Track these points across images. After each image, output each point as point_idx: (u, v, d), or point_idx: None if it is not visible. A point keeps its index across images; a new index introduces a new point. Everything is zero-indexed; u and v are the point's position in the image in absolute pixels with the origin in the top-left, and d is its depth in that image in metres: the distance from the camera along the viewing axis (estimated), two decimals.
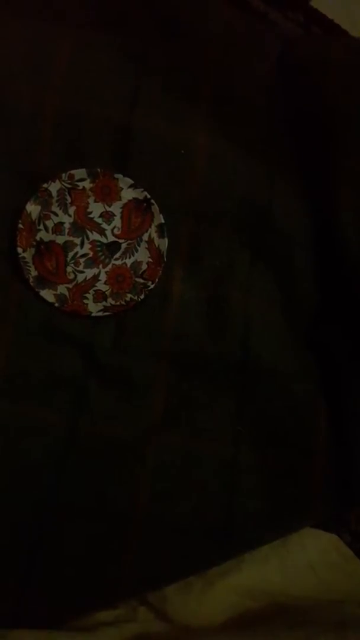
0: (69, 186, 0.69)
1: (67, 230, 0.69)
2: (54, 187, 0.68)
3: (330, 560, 0.65)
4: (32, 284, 0.65)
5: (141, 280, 0.68)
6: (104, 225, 0.70)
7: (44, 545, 0.60)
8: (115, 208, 0.70)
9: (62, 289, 0.67)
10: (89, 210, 0.70)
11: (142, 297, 0.67)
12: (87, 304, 0.67)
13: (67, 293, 0.67)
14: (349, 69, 0.73)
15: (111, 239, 0.70)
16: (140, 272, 0.69)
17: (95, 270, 0.69)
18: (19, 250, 0.66)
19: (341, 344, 0.69)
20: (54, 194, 0.68)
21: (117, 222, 0.70)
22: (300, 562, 0.64)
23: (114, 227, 0.70)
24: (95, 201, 0.70)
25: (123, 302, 0.67)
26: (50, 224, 0.69)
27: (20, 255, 0.66)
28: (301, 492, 0.66)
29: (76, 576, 0.60)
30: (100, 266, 0.69)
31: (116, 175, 0.69)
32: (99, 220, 0.70)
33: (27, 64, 0.71)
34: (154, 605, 0.61)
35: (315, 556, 0.65)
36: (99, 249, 0.69)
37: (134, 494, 0.63)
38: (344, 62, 0.73)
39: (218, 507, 0.64)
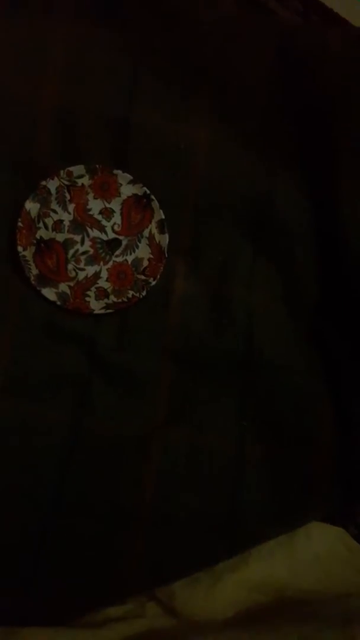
0: (67, 183, 0.68)
1: (66, 228, 0.69)
2: (52, 185, 0.68)
3: (337, 553, 0.65)
4: (33, 282, 0.65)
5: (143, 277, 0.68)
6: (104, 222, 0.69)
7: (50, 542, 0.60)
8: (115, 204, 0.70)
9: (63, 287, 0.67)
10: (88, 207, 0.69)
11: (144, 293, 0.67)
12: (88, 302, 0.67)
13: (68, 291, 0.67)
14: (349, 58, 0.72)
15: (111, 235, 0.69)
16: (141, 269, 0.69)
17: (96, 268, 0.69)
18: (19, 248, 0.66)
19: (343, 338, 0.68)
20: (53, 191, 0.68)
21: (117, 218, 0.70)
22: (307, 556, 0.64)
23: (114, 224, 0.70)
24: (94, 198, 0.69)
25: (125, 299, 0.67)
26: (49, 221, 0.68)
27: (20, 254, 0.66)
28: (307, 485, 0.66)
29: (83, 573, 0.60)
30: (101, 263, 0.69)
31: (115, 171, 0.69)
32: (99, 217, 0.69)
33: (22, 58, 0.70)
34: (162, 600, 0.61)
35: (321, 550, 0.65)
36: (99, 246, 0.69)
37: (140, 490, 0.63)
38: (344, 51, 0.72)
39: (224, 502, 0.64)
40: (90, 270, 0.68)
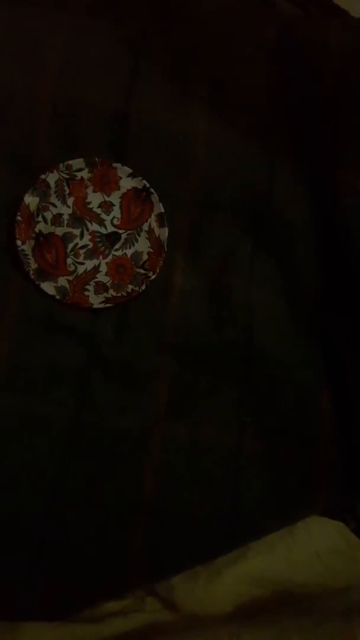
0: (67, 177, 0.68)
1: (66, 222, 0.68)
2: (51, 178, 0.67)
3: (336, 547, 0.65)
4: (32, 276, 0.65)
5: (142, 271, 0.68)
6: (103, 216, 0.69)
7: (50, 538, 0.60)
8: (114, 198, 0.69)
9: (62, 281, 0.67)
10: (87, 200, 0.69)
11: (143, 287, 0.67)
12: (88, 296, 0.67)
13: (67, 285, 0.67)
14: (349, 49, 0.72)
15: (111, 229, 0.69)
16: (141, 263, 0.68)
17: (95, 262, 0.68)
18: (18, 242, 0.65)
19: (343, 332, 0.68)
20: (52, 184, 0.67)
21: (116, 212, 0.69)
22: (306, 549, 0.64)
23: (114, 217, 0.69)
24: (93, 191, 0.69)
25: (124, 294, 0.67)
26: (49, 215, 0.68)
27: (19, 248, 0.65)
28: (306, 480, 0.66)
29: (83, 568, 0.60)
30: (101, 257, 0.68)
31: (114, 165, 0.68)
32: (98, 211, 0.69)
33: (21, 51, 0.70)
34: (161, 595, 0.61)
35: (321, 544, 0.65)
36: (98, 239, 0.69)
37: (140, 484, 0.63)
38: (343, 43, 0.72)
39: (224, 496, 0.64)
40: (90, 264, 0.68)
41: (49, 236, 0.68)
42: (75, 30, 0.71)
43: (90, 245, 0.68)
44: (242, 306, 0.69)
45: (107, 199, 0.69)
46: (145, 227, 0.69)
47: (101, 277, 0.68)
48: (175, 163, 0.70)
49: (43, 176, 0.67)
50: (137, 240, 0.69)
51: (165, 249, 0.68)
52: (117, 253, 0.69)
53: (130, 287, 0.67)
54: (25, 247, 0.66)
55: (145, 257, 0.69)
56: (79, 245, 0.68)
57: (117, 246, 0.69)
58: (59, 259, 0.67)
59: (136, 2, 0.74)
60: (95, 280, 0.68)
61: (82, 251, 0.68)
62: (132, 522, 0.62)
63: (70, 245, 0.68)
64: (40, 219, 0.67)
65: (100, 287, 0.67)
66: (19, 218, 0.66)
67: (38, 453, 0.62)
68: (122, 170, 0.68)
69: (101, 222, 0.69)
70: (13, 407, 0.63)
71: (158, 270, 0.67)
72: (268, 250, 0.71)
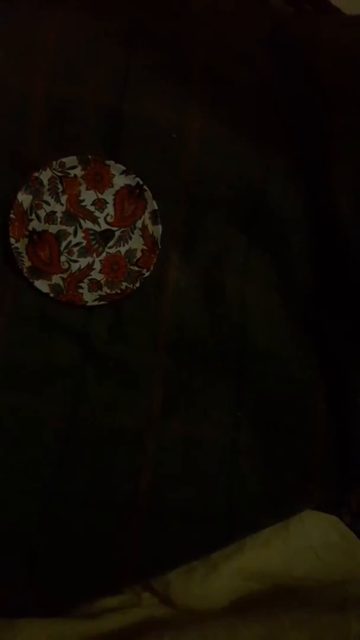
0: (60, 174, 0.68)
1: (59, 219, 0.68)
2: (45, 176, 0.67)
3: (331, 541, 0.66)
4: (26, 274, 0.65)
5: (136, 268, 0.68)
6: (97, 213, 0.69)
7: (46, 534, 0.60)
8: (108, 195, 0.69)
9: (56, 279, 0.67)
10: (81, 198, 0.69)
11: (137, 285, 0.67)
12: (82, 294, 0.67)
13: (61, 283, 0.67)
14: (340, 47, 0.72)
15: (104, 226, 0.69)
16: (134, 260, 0.69)
17: (89, 259, 0.68)
18: (12, 240, 0.65)
19: (338, 327, 0.69)
20: (45, 182, 0.67)
21: (109, 209, 0.69)
22: (301, 544, 0.65)
23: (107, 215, 0.69)
24: (87, 189, 0.69)
25: (118, 291, 0.67)
26: (42, 213, 0.68)
27: (13, 246, 0.65)
28: (301, 475, 0.66)
29: (80, 564, 0.60)
30: (94, 255, 0.68)
31: (107, 162, 0.68)
32: (92, 208, 0.69)
33: (14, 49, 0.69)
34: (157, 590, 0.62)
35: (316, 538, 0.65)
36: (92, 237, 0.69)
37: (136, 481, 0.63)
38: (335, 40, 0.72)
39: (219, 492, 0.64)
40: (83, 261, 0.68)
41: (43, 234, 0.68)
42: (68, 27, 0.71)
43: (84, 242, 0.68)
44: (236, 303, 0.69)
45: (100, 196, 0.69)
46: (139, 224, 0.69)
47: (95, 275, 0.68)
48: (169, 160, 0.70)
49: (36, 174, 0.67)
50: (130, 238, 0.69)
51: (159, 246, 0.68)
52: (110, 250, 0.69)
53: (124, 284, 0.67)
54: (19, 245, 0.66)
55: (139, 254, 0.69)
56: (73, 243, 0.68)
57: (110, 244, 0.69)
58: (52, 256, 0.68)
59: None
60: (89, 277, 0.68)
61: (75, 249, 0.68)
62: (128, 519, 0.62)
63: (64, 243, 0.68)
64: (33, 216, 0.67)
65: (94, 285, 0.68)
66: (12, 216, 0.66)
67: (33, 451, 0.63)
68: (116, 167, 0.68)
69: (94, 220, 0.69)
70: (7, 405, 0.63)
71: (152, 267, 0.67)
72: (262, 247, 0.71)
